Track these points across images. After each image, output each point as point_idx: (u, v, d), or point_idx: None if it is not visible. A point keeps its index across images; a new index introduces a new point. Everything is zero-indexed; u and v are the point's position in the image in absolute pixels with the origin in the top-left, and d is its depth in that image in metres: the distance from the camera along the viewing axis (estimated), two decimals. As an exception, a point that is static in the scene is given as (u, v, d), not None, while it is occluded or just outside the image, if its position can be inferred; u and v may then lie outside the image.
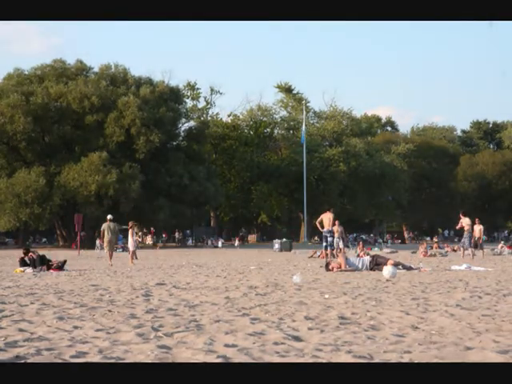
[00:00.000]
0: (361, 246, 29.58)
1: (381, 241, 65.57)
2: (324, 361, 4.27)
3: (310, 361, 4.27)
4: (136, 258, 23.88)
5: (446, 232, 79.63)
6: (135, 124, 49.97)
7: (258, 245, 59.12)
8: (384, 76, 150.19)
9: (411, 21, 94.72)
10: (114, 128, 50.37)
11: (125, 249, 43.59)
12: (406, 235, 79.32)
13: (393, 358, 4.35)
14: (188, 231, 66.25)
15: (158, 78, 59.16)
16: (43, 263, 16.94)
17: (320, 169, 62.69)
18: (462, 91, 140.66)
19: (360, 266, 15.09)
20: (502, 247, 34.44)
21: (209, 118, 68.72)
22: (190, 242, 61.30)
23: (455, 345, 4.83)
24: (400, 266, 15.35)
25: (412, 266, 16.07)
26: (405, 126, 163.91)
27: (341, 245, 24.34)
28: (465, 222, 24.32)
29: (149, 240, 61.05)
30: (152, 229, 62.27)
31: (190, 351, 4.65)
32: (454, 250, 34.68)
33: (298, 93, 74.49)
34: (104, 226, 21.75)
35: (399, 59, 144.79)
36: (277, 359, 4.35)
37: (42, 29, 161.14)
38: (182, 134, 60.31)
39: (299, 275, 11.83)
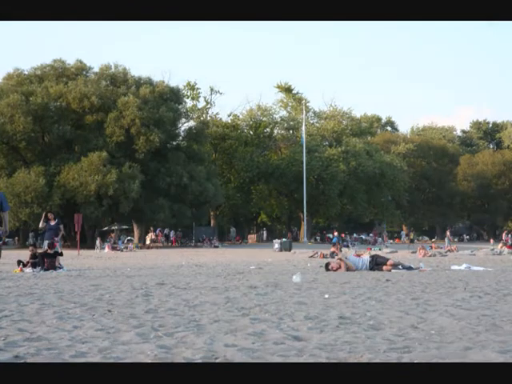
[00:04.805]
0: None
1: (381, 240, 65.53)
2: (324, 361, 4.26)
3: (310, 361, 4.27)
4: None
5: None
6: (135, 124, 49.97)
7: (257, 244, 59.13)
8: (384, 76, 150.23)
9: (411, 21, 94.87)
10: (113, 128, 50.37)
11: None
12: (403, 237, 77.28)
13: (393, 357, 4.35)
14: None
15: (158, 78, 59.23)
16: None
17: (320, 169, 62.68)
18: (462, 91, 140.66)
19: (360, 265, 15.08)
20: (501, 247, 34.41)
21: (208, 118, 68.68)
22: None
23: (455, 345, 4.82)
24: (400, 266, 15.35)
25: (412, 265, 16.06)
26: (405, 126, 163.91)
27: None
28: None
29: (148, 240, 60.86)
30: (151, 228, 62.19)
31: (190, 351, 4.65)
32: (451, 251, 34.72)
33: (297, 93, 74.50)
34: None
35: (399, 59, 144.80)
36: (277, 359, 4.34)
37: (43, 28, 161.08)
38: (182, 133, 60.28)
39: (299, 275, 11.82)
